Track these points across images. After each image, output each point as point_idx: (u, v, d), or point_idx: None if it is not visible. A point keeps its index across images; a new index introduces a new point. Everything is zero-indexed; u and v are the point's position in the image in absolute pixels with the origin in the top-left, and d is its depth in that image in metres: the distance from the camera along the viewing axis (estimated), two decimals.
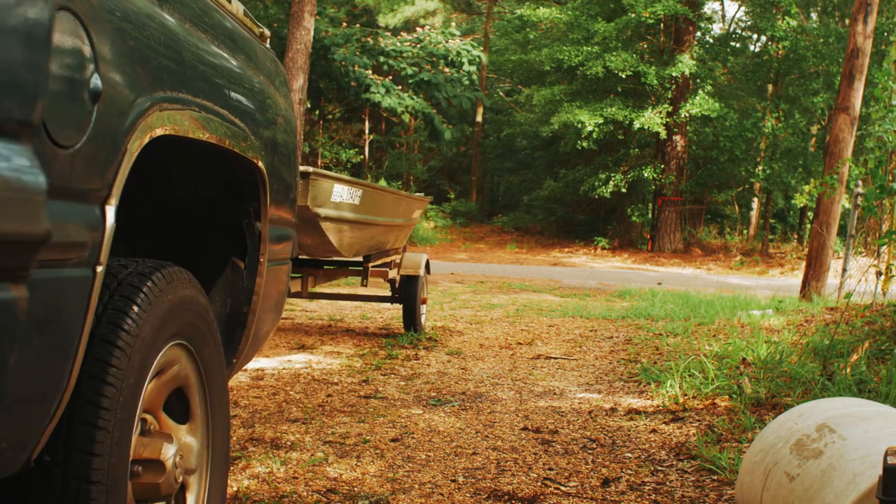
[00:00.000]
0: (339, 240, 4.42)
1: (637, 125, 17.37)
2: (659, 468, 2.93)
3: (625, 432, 3.41)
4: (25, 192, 0.90)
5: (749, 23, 20.98)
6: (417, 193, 6.55)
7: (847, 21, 18.42)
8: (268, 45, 2.27)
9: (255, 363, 4.61)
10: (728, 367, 4.43)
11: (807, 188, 7.26)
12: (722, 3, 25.39)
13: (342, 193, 4.24)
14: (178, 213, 2.09)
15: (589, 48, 17.67)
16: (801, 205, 18.83)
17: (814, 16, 20.55)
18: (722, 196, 20.31)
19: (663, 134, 17.76)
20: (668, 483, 2.77)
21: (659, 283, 11.37)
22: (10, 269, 0.90)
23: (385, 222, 5.27)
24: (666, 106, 17.89)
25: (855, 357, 4.04)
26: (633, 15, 17.36)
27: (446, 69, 18.92)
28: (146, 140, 1.27)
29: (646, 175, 18.32)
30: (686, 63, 17.38)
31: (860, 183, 7.99)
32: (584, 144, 17.89)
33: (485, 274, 12.43)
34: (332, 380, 4.25)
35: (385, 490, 2.58)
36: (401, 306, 5.87)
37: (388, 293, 6.69)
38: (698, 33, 19.81)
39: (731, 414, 3.60)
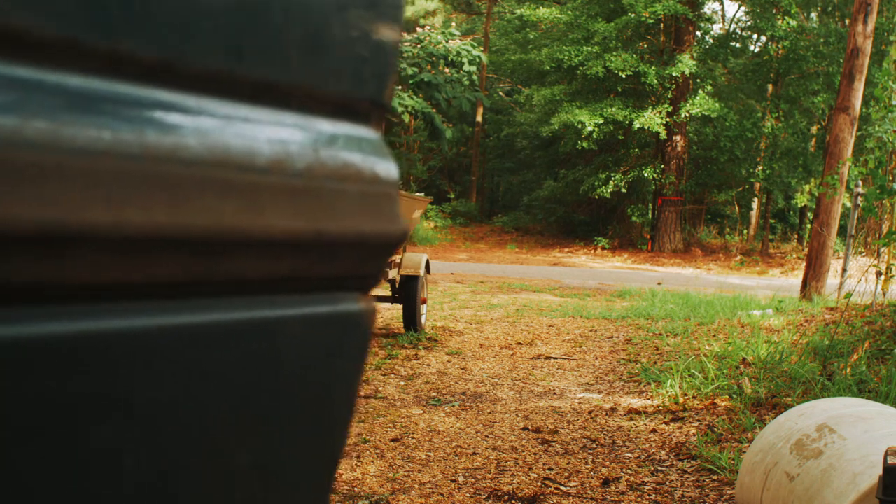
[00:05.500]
0: None
1: (637, 125, 17.37)
2: (659, 468, 2.93)
3: (625, 432, 3.41)
4: (381, 183, 0.75)
5: (749, 23, 20.98)
6: (417, 193, 6.55)
7: (847, 21, 18.42)
8: None
9: None
10: (728, 367, 4.43)
11: (807, 188, 7.26)
12: (722, 3, 25.41)
13: None
14: None
15: (589, 48, 17.68)
16: (801, 205, 18.85)
17: (814, 16, 20.55)
18: (722, 196, 20.32)
19: (663, 134, 17.77)
20: (668, 483, 2.77)
21: (659, 283, 11.37)
22: (363, 276, 0.77)
23: None
24: (666, 106, 17.90)
25: (855, 357, 4.05)
26: (633, 15, 17.37)
27: (446, 69, 18.92)
28: None
29: (646, 175, 18.33)
30: (686, 63, 17.39)
31: (860, 183, 7.99)
32: (584, 144, 17.90)
33: (485, 274, 12.43)
34: None
35: (385, 490, 2.58)
36: (401, 306, 5.87)
37: (388, 293, 6.69)
38: (698, 33, 19.82)
39: (731, 414, 3.60)
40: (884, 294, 5.59)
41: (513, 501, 2.54)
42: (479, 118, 25.11)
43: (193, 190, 0.55)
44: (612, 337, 6.19)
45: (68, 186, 0.47)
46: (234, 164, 0.59)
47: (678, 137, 18.61)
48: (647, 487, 2.71)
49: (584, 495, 2.61)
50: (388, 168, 0.76)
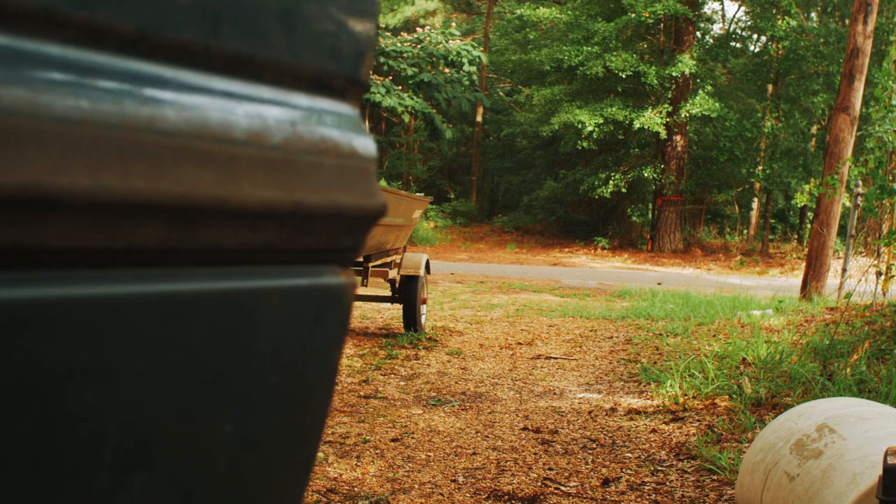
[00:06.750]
0: None
1: (637, 125, 17.38)
2: (659, 468, 2.93)
3: (625, 432, 3.41)
4: (358, 158, 0.76)
5: (749, 23, 20.98)
6: (417, 193, 6.55)
7: (847, 21, 18.43)
8: None
9: None
10: (728, 367, 4.43)
11: (807, 188, 7.24)
12: (722, 3, 25.39)
13: None
14: None
15: (589, 48, 17.68)
16: (801, 205, 18.84)
17: (814, 16, 20.55)
18: (722, 196, 20.33)
19: (663, 134, 17.77)
20: (668, 483, 2.77)
21: (659, 283, 11.37)
22: (342, 249, 0.77)
23: (385, 222, 5.27)
24: (666, 106, 17.90)
25: (855, 357, 4.05)
26: (633, 15, 17.37)
27: (446, 70, 18.92)
28: None
29: (646, 175, 18.34)
30: (686, 63, 17.39)
31: (860, 183, 7.99)
32: (584, 144, 17.90)
33: (485, 274, 12.43)
34: None
35: (385, 490, 2.58)
36: (401, 306, 5.87)
37: (388, 293, 6.69)
38: (698, 33, 19.82)
39: (731, 414, 3.60)
40: (884, 294, 5.59)
41: (513, 501, 2.54)
42: (479, 118, 25.11)
43: (170, 159, 0.55)
44: (612, 337, 6.18)
45: (46, 152, 0.47)
46: (211, 135, 0.59)
47: (678, 137, 18.62)
48: (647, 487, 2.71)
49: (584, 495, 2.61)
50: (365, 144, 0.77)
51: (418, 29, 19.66)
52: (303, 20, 0.70)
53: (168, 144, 0.55)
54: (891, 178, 6.32)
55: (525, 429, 3.41)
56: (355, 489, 2.57)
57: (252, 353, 0.67)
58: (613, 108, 17.56)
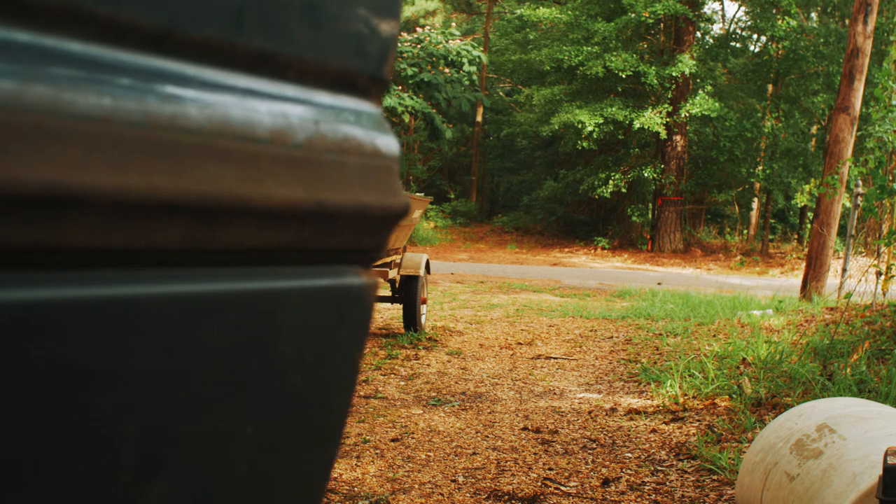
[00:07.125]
0: None
1: (637, 125, 17.38)
2: (659, 468, 2.93)
3: (625, 432, 3.41)
4: (381, 157, 0.75)
5: (749, 23, 20.98)
6: (417, 193, 6.55)
7: (847, 21, 18.43)
8: None
9: None
10: (728, 367, 4.43)
11: (807, 188, 7.26)
12: (722, 3, 25.38)
13: None
14: None
15: (589, 48, 17.69)
16: (801, 205, 18.84)
17: (814, 16, 20.55)
18: (722, 196, 20.33)
19: (663, 134, 17.77)
20: (668, 483, 2.77)
21: (659, 283, 11.37)
22: (364, 249, 0.76)
23: None
24: (666, 106, 17.90)
25: (855, 357, 4.05)
26: (632, 15, 17.37)
27: (446, 70, 18.92)
28: None
29: (646, 175, 18.34)
30: (686, 63, 17.39)
31: (860, 183, 7.99)
32: (584, 144, 17.91)
33: (485, 274, 12.42)
34: None
35: (385, 490, 2.58)
36: (401, 306, 5.87)
37: (388, 293, 6.69)
38: (698, 33, 19.82)
39: (731, 414, 3.60)
40: (884, 294, 5.59)
41: (513, 501, 2.54)
42: (479, 118, 25.11)
43: (193, 157, 0.55)
44: (612, 337, 6.18)
45: (68, 150, 0.47)
46: (234, 133, 0.59)
47: (678, 137, 18.62)
48: (647, 487, 2.71)
49: (584, 495, 2.61)
50: (388, 142, 0.76)
51: (418, 29, 19.64)
52: (327, 17, 0.69)
53: (191, 143, 0.55)
54: (891, 178, 6.32)
55: (525, 429, 3.41)
56: (355, 489, 2.57)
57: (274, 354, 0.67)
58: (613, 108, 17.56)
